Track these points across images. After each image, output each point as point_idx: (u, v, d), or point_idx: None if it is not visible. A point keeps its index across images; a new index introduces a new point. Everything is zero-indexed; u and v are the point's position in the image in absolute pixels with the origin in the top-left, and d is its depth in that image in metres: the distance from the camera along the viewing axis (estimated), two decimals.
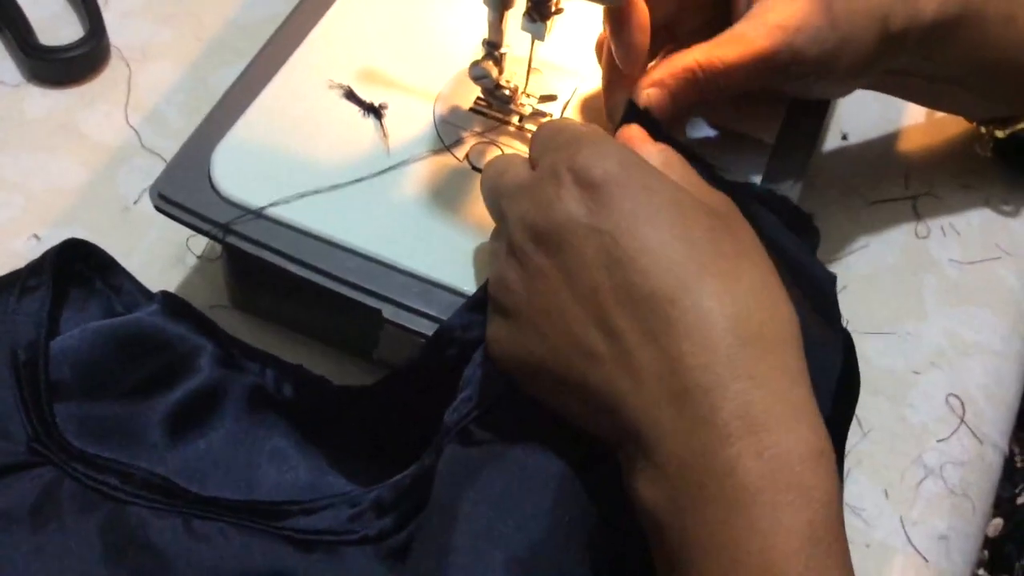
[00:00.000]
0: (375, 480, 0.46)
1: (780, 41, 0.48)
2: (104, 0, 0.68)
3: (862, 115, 0.67)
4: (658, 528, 0.36)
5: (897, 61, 0.53)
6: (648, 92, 0.48)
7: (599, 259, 0.38)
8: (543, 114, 0.52)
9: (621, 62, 0.48)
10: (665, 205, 0.38)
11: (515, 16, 0.49)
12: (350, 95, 0.52)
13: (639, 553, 0.39)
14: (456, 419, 0.42)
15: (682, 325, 0.36)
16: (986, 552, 0.75)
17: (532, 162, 0.43)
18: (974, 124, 0.63)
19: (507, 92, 0.52)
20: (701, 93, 0.48)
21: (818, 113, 0.55)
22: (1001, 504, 0.77)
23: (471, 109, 0.53)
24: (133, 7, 0.69)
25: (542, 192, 0.40)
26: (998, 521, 0.76)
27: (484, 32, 0.50)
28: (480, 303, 0.44)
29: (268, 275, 0.48)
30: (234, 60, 0.65)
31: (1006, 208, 0.63)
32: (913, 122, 0.67)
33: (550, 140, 0.42)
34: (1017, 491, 0.81)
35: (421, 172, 0.50)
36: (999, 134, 0.60)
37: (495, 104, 0.52)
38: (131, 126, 0.64)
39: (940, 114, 0.66)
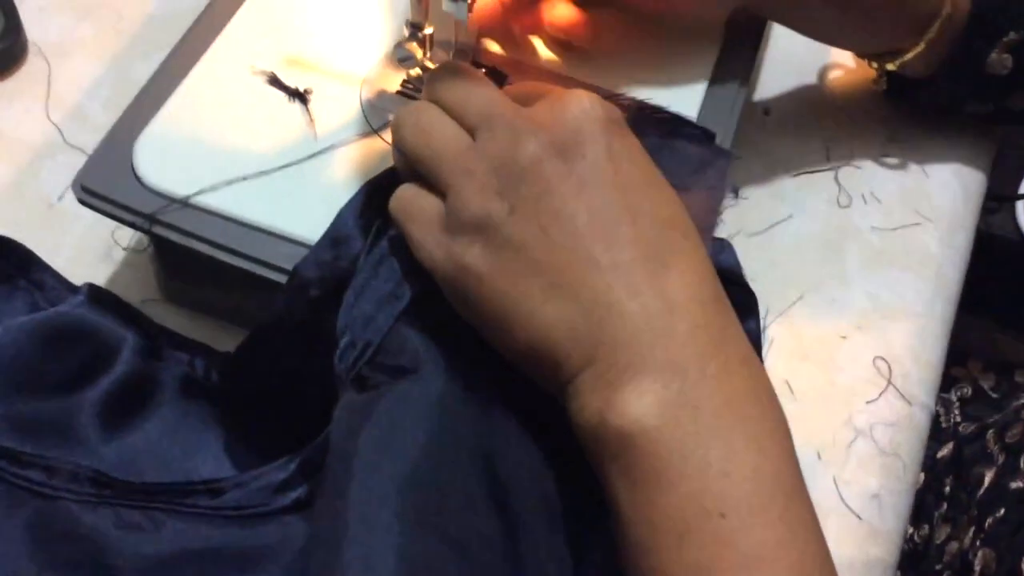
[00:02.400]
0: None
1: None
2: None
3: (783, 91, 0.68)
4: (645, 437, 0.37)
5: None
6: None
7: (617, 180, 0.40)
8: None
9: None
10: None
11: None
12: (274, 81, 0.52)
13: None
14: (346, 367, 0.42)
15: (683, 247, 0.40)
16: None
17: (517, 96, 0.43)
18: (865, 60, 0.64)
19: None
20: None
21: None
22: (923, 460, 0.79)
23: (398, 92, 0.53)
24: (50, 2, 0.68)
25: (559, 107, 0.41)
26: (920, 475, 0.79)
27: (407, 13, 0.50)
28: (337, 240, 0.45)
29: (197, 265, 0.48)
30: (155, 53, 0.63)
31: (936, 171, 0.65)
32: (833, 96, 0.68)
33: (529, 93, 0.44)
34: (940, 446, 0.83)
35: (350, 156, 0.50)
36: (890, 67, 0.61)
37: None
38: (52, 122, 0.63)
39: (859, 86, 0.68)
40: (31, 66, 0.65)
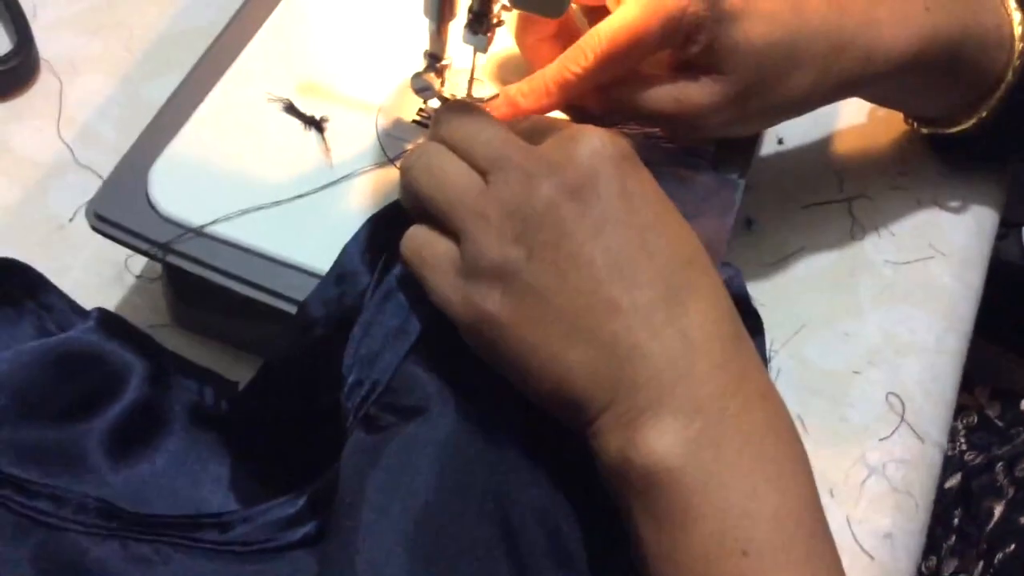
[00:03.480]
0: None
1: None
2: (32, 12, 0.67)
3: (797, 120, 0.67)
4: (668, 476, 0.37)
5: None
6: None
7: (633, 219, 0.40)
8: None
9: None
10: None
11: (457, 28, 0.48)
12: (290, 108, 0.52)
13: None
14: (353, 406, 0.42)
15: (701, 284, 0.40)
16: None
17: (525, 133, 0.43)
18: (909, 122, 0.64)
19: None
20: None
21: None
22: None
23: (414, 121, 0.52)
24: (62, 18, 0.68)
25: (571, 146, 0.40)
26: None
27: (426, 43, 0.50)
28: (343, 276, 0.44)
29: (210, 293, 0.47)
30: (167, 71, 0.64)
31: (950, 205, 0.64)
32: (848, 126, 0.68)
33: (537, 129, 0.43)
34: (947, 476, 0.83)
35: (365, 186, 0.49)
36: (924, 131, 0.61)
37: None
38: (64, 141, 0.62)
39: (873, 117, 0.68)
40: (42, 84, 0.65)
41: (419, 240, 0.42)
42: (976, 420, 0.95)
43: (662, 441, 0.37)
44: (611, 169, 0.40)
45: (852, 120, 0.68)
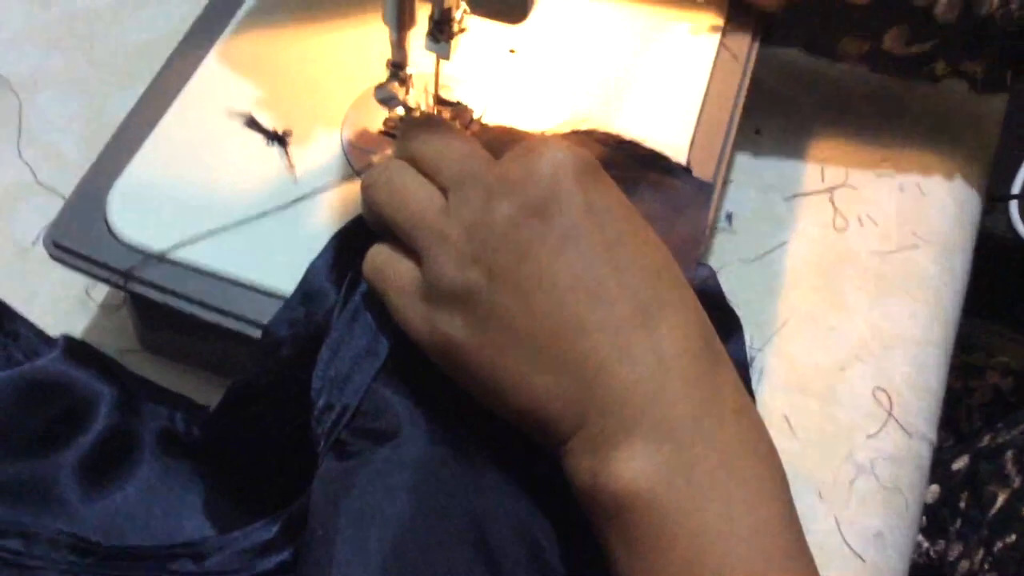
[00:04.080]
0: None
1: None
2: None
3: (774, 108, 0.66)
4: (639, 500, 0.36)
5: None
6: None
7: (598, 235, 0.38)
8: None
9: None
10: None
11: (419, 36, 0.47)
12: (252, 123, 0.50)
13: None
14: (324, 431, 0.41)
15: (671, 298, 0.38)
16: (924, 518, 0.76)
17: (491, 144, 0.42)
18: None
19: (416, 113, 0.50)
20: None
21: None
22: (936, 470, 0.78)
23: (381, 132, 0.51)
24: (19, 33, 0.66)
25: (532, 161, 0.39)
26: (935, 487, 0.77)
27: (388, 53, 0.48)
28: (309, 295, 0.43)
29: (176, 318, 0.46)
30: (131, 84, 0.62)
31: (921, 194, 0.63)
32: (826, 114, 0.66)
33: (503, 139, 0.42)
34: (955, 457, 0.82)
35: (332, 202, 0.48)
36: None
37: None
38: (24, 161, 0.61)
39: (851, 102, 0.67)
40: (1, 102, 0.63)
41: (381, 259, 0.41)
42: (990, 396, 0.95)
43: (633, 465, 0.36)
44: (573, 184, 0.38)
45: (831, 108, 0.67)
